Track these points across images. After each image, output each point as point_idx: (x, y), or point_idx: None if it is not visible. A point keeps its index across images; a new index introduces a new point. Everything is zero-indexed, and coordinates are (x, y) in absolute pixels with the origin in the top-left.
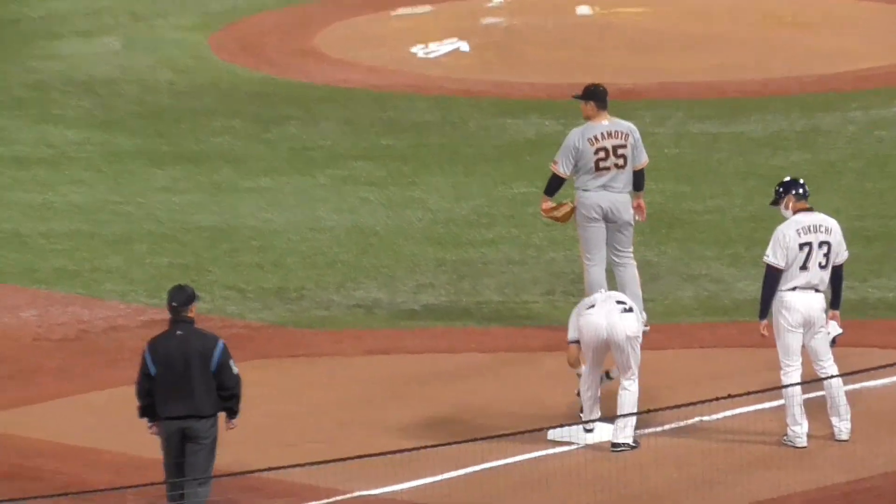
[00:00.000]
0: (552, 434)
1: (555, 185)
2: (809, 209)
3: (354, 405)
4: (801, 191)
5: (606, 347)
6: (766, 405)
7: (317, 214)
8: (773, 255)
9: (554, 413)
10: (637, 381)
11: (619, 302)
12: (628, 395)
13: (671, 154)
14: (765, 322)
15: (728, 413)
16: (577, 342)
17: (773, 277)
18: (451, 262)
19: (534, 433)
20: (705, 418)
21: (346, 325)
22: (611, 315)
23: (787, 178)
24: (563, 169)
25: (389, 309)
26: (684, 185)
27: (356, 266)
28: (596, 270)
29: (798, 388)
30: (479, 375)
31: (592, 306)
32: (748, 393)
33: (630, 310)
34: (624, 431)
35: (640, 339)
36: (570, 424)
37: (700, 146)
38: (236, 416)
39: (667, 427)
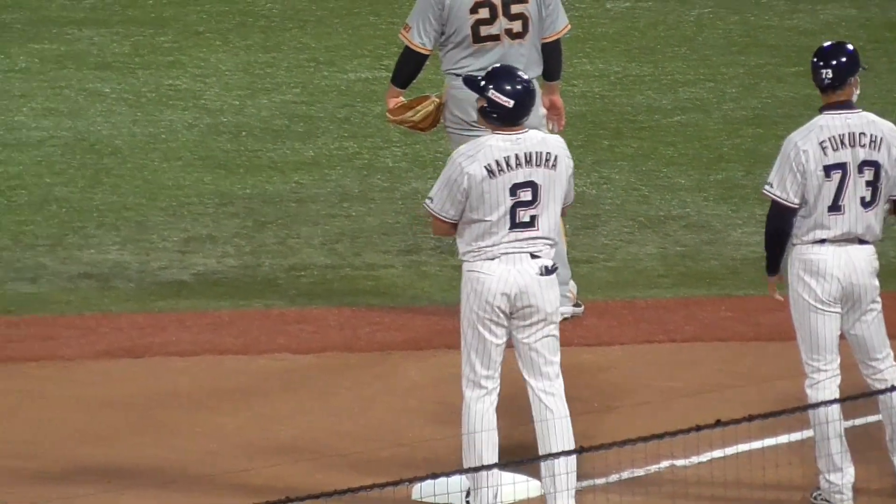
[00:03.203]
0: (418, 491)
1: (408, 67)
2: (845, 104)
3: (72, 446)
4: (842, 68)
5: (505, 328)
6: (782, 439)
7: (14, 120)
8: (779, 185)
9: (420, 455)
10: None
11: (534, 255)
12: (557, 422)
13: (618, 11)
14: (774, 278)
15: (717, 453)
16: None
17: (780, 219)
18: (244, 199)
19: (387, 489)
20: (679, 463)
21: (67, 307)
22: (524, 274)
23: (829, 44)
24: (419, 38)
25: (140, 280)
26: (641, 65)
27: (82, 207)
28: None
29: (836, 408)
30: (292, 391)
31: (492, 260)
32: (749, 418)
33: (553, 270)
34: (561, 483)
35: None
36: (447, 474)
37: None
38: None
39: (612, 479)
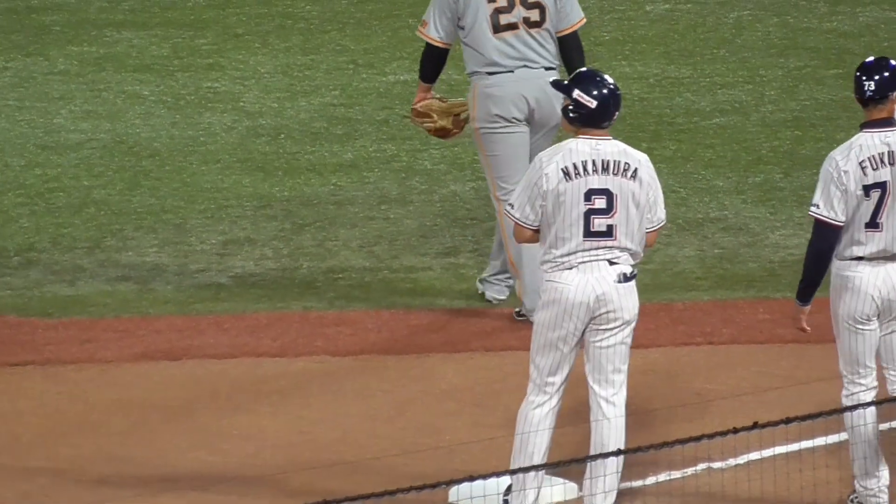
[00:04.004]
0: (455, 493)
1: (430, 63)
2: (885, 121)
3: (111, 448)
4: (883, 82)
5: (579, 338)
6: (819, 441)
7: (53, 122)
8: (825, 205)
9: (458, 458)
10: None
11: (611, 262)
12: (613, 423)
13: (657, 13)
14: (806, 309)
15: (754, 456)
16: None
17: (827, 239)
18: (283, 201)
19: (424, 492)
20: (716, 465)
21: (106, 310)
22: (602, 282)
23: (872, 59)
24: (436, 33)
25: (178, 283)
26: (680, 67)
27: (121, 210)
28: None
29: (871, 414)
30: (329, 394)
31: (570, 270)
32: (787, 420)
33: (632, 276)
34: (603, 485)
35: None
36: (485, 476)
37: (706, 0)
38: None
39: (649, 481)
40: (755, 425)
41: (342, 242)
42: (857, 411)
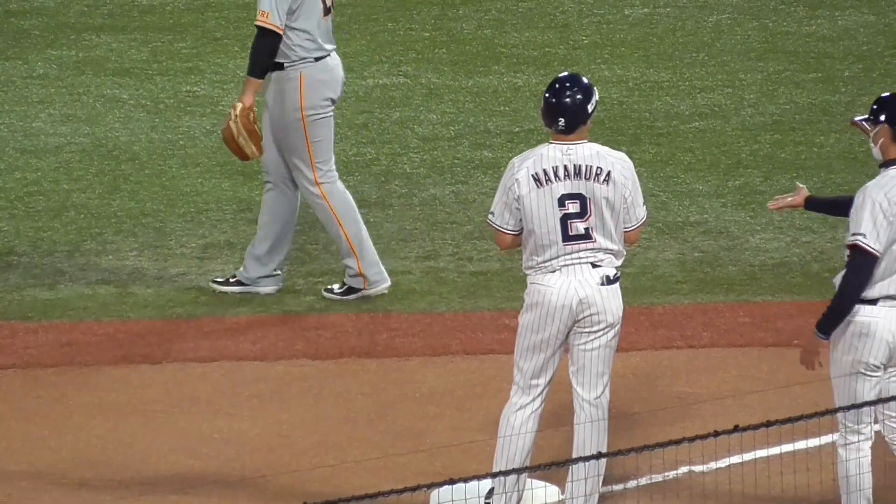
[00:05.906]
0: (436, 497)
1: (269, 53)
2: None
3: (91, 452)
4: None
5: (563, 341)
6: (800, 445)
7: (33, 126)
8: (875, 235)
9: (438, 461)
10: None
11: (594, 265)
12: (595, 426)
13: (636, 17)
14: (827, 342)
15: (735, 459)
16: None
17: (867, 272)
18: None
19: (404, 495)
20: (697, 468)
21: (86, 314)
22: (585, 285)
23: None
24: (278, 19)
25: (158, 286)
26: (659, 71)
27: (100, 214)
28: (342, 188)
29: (866, 463)
30: (310, 397)
31: (553, 273)
32: (767, 423)
33: (615, 279)
34: (585, 488)
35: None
36: (465, 479)
37: (686, 3)
38: None
39: (630, 485)
40: (736, 428)
41: (322, 246)
42: (853, 460)
